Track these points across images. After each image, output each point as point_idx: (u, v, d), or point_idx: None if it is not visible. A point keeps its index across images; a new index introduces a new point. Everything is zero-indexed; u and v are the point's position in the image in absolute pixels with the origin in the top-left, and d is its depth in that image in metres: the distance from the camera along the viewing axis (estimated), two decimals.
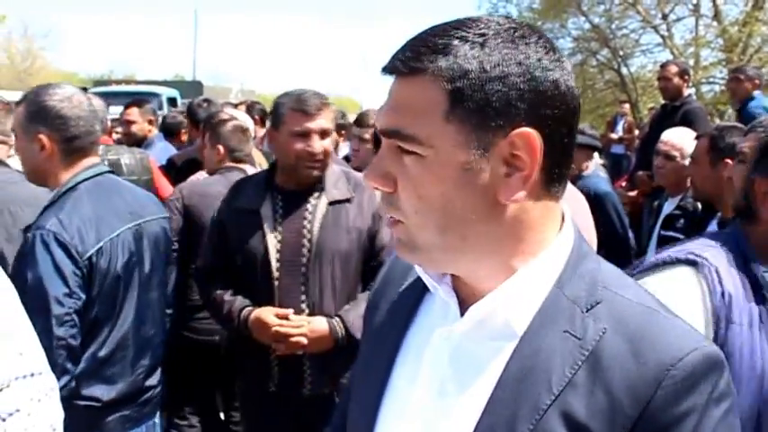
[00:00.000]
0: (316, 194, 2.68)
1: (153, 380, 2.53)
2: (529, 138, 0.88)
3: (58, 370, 2.10)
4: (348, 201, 2.70)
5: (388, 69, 0.93)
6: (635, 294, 0.95)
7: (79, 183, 2.31)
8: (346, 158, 5.40)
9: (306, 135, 2.58)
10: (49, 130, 2.27)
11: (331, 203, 2.66)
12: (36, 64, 43.19)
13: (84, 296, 2.22)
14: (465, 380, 0.95)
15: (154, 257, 2.51)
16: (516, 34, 0.89)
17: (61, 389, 2.06)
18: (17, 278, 2.10)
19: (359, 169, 3.41)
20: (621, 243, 3.98)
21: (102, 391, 2.31)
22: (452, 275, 1.01)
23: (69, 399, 2.12)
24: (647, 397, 0.85)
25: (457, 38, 0.88)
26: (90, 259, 2.24)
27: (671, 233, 3.77)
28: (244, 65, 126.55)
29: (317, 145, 2.60)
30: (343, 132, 6.85)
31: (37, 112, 2.28)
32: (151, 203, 2.62)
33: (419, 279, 1.06)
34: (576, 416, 0.86)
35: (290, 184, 2.69)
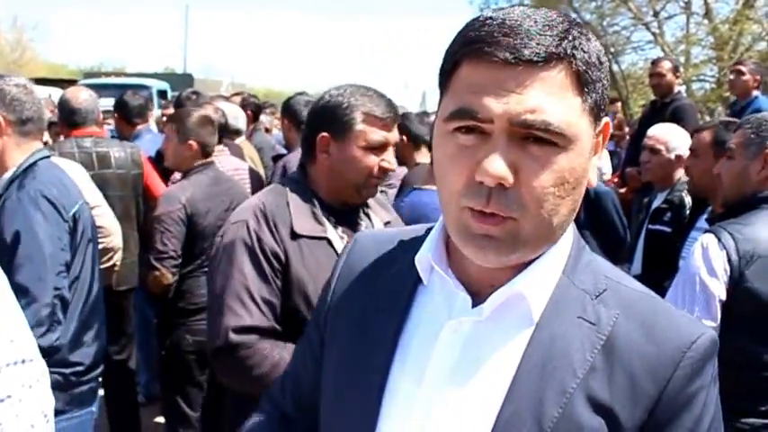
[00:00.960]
0: (362, 215, 2.24)
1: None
2: (608, 127, 0.97)
3: (54, 320, 2.19)
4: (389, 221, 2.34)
5: (518, 55, 0.85)
6: (633, 283, 1.02)
7: (37, 161, 2.41)
8: None
9: (382, 148, 2.12)
10: (5, 112, 2.37)
11: (385, 224, 2.28)
12: (25, 55, 42.87)
13: (70, 251, 2.35)
14: (481, 369, 0.96)
15: (96, 236, 2.65)
16: (586, 28, 0.92)
17: (55, 341, 2.16)
18: (4, 238, 2.20)
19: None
20: (621, 243, 3.97)
21: (85, 355, 2.44)
22: (451, 267, 1.01)
23: (61, 365, 2.24)
24: (666, 378, 0.91)
25: (567, 30, 0.88)
26: (73, 216, 2.39)
27: (658, 227, 3.83)
28: (234, 58, 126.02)
29: (393, 159, 2.17)
30: None
31: None
32: (82, 192, 2.69)
33: (405, 271, 1.06)
34: (600, 398, 0.91)
35: (336, 203, 2.15)
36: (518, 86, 0.86)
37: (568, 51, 0.87)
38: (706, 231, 2.36)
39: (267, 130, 6.21)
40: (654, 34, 20.00)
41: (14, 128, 2.39)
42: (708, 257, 2.22)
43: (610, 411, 0.90)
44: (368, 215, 2.23)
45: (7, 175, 2.39)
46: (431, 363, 0.98)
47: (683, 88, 6.13)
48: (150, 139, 5.32)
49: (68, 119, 3.92)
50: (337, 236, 2.05)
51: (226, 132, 4.69)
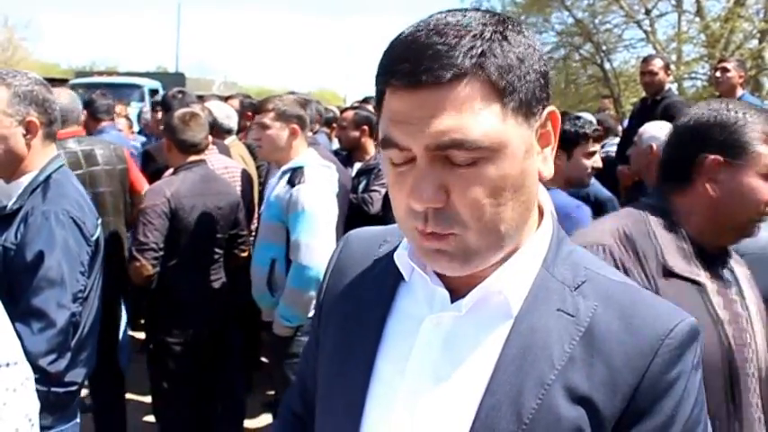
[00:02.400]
0: (729, 260, 1.79)
1: None
2: (555, 114, 0.96)
3: (65, 348, 2.15)
4: None
5: (419, 80, 0.85)
6: (612, 273, 1.02)
7: (57, 169, 2.31)
8: (335, 152, 5.39)
9: None
10: (38, 112, 2.25)
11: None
12: (17, 55, 42.65)
13: (89, 275, 2.29)
14: (461, 364, 0.96)
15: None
16: (512, 23, 0.91)
17: (61, 368, 2.11)
18: (25, 255, 2.12)
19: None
20: None
21: (78, 375, 2.36)
22: None
23: (57, 385, 2.17)
24: (645, 365, 0.92)
25: (478, 36, 0.86)
26: (97, 240, 2.33)
27: None
28: (227, 57, 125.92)
29: None
30: (333, 126, 6.85)
31: (25, 94, 2.23)
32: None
33: (388, 268, 1.08)
34: (579, 389, 0.91)
35: (707, 242, 1.73)
36: (427, 111, 0.85)
37: (474, 62, 0.85)
38: None
39: None
40: (645, 32, 20.09)
41: (43, 129, 2.27)
42: None
43: (589, 401, 0.91)
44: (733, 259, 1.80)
45: (25, 179, 2.24)
46: (412, 356, 1.00)
47: (673, 86, 6.12)
48: (115, 135, 5.53)
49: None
50: (709, 282, 1.67)
51: (216, 131, 4.68)
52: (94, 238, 2.31)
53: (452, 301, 0.99)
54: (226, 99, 6.62)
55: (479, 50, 0.86)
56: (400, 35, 0.91)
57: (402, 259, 1.04)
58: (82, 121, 4.10)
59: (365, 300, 1.09)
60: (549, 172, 0.95)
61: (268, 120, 3.41)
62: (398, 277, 1.07)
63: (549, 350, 0.93)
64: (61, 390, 2.23)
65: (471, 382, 0.95)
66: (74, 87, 8.01)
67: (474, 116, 0.85)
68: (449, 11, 0.92)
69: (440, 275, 1.00)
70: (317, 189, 3.26)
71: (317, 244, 3.14)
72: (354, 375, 1.04)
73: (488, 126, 0.86)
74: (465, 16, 0.89)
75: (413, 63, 0.85)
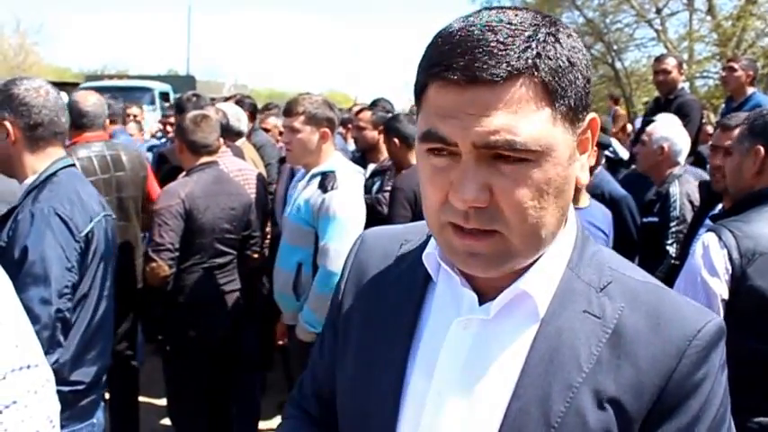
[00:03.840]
0: None
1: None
2: (595, 122, 0.96)
3: (54, 342, 2.16)
4: None
5: (474, 76, 0.83)
6: (638, 273, 1.01)
7: (58, 170, 2.36)
8: (352, 154, 5.37)
9: None
10: (14, 117, 2.31)
11: None
12: (29, 59, 42.98)
13: (79, 272, 2.29)
14: (489, 366, 0.96)
15: (113, 249, 2.59)
16: (562, 25, 0.90)
17: (54, 363, 2.10)
18: (13, 252, 2.15)
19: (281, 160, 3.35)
20: (634, 247, 3.94)
21: (85, 374, 2.38)
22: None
23: (59, 383, 2.15)
24: (672, 367, 0.91)
25: (533, 37, 0.85)
26: (86, 236, 2.32)
27: (649, 219, 3.89)
28: (237, 60, 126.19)
29: None
30: (348, 127, 6.85)
31: (3, 100, 2.32)
32: (104, 202, 2.65)
33: (414, 268, 1.07)
34: (607, 391, 0.91)
35: None
36: (479, 108, 0.84)
37: (530, 63, 0.84)
38: (708, 230, 2.34)
39: (266, 131, 6.20)
40: (657, 31, 20.00)
41: (24, 133, 2.32)
42: (708, 256, 2.21)
43: (617, 403, 0.90)
44: None
45: (28, 181, 2.33)
46: (440, 359, 0.99)
47: (686, 84, 6.08)
48: (125, 140, 5.52)
49: (76, 121, 3.93)
50: None
51: (228, 134, 4.69)
52: (83, 234, 2.31)
53: (480, 303, 0.99)
54: (226, 99, 6.62)
55: (534, 52, 0.84)
56: (448, 29, 0.88)
57: (430, 258, 1.04)
58: (106, 126, 4.13)
59: (391, 301, 1.09)
60: (585, 179, 0.95)
61: (298, 123, 3.35)
62: (427, 278, 1.06)
63: (576, 352, 0.93)
64: (66, 389, 2.25)
65: (499, 385, 0.95)
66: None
67: (526, 118, 0.84)
68: (499, 8, 0.90)
69: (467, 276, 1.00)
70: (350, 196, 3.24)
71: (347, 250, 3.11)
72: (384, 377, 1.04)
73: (539, 129, 0.85)
74: (516, 15, 0.88)
75: (467, 59, 0.84)
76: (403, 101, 14.24)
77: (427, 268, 1.05)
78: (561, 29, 0.89)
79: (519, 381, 0.93)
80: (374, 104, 6.00)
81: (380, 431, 1.02)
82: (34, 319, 2.08)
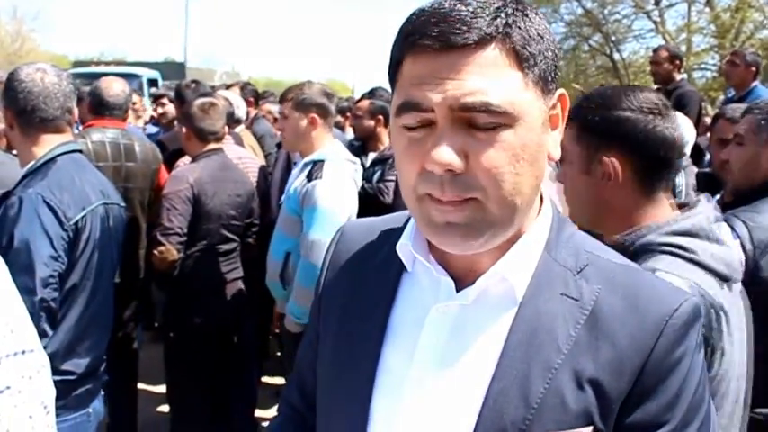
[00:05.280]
0: None
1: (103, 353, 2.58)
2: (565, 98, 0.98)
3: (38, 332, 2.12)
4: None
5: (447, 41, 0.86)
6: (613, 255, 1.03)
7: (57, 156, 2.33)
8: (349, 143, 5.36)
9: None
10: (7, 103, 2.31)
11: None
12: (26, 46, 42.75)
13: (66, 260, 2.26)
14: (468, 351, 0.97)
15: (116, 238, 2.56)
16: (529, 6, 0.93)
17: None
18: (1, 239, 2.14)
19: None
20: None
21: (77, 365, 2.35)
22: (432, 253, 1.02)
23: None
24: (650, 345, 0.92)
25: (501, 8, 0.89)
26: (76, 224, 2.29)
27: None
28: (235, 49, 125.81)
29: None
30: (347, 116, 6.83)
31: (3, 88, 2.34)
32: (113, 188, 2.63)
33: (390, 258, 1.07)
34: (586, 372, 0.92)
35: None
36: (454, 72, 0.87)
37: (500, 30, 0.87)
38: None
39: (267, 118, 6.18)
40: (655, 23, 20.00)
41: (17, 120, 2.32)
42: None
43: (596, 383, 0.91)
44: None
45: (27, 167, 2.33)
46: (419, 345, 0.99)
47: (684, 76, 6.07)
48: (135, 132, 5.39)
49: (97, 107, 3.90)
50: None
51: (228, 121, 4.68)
52: (72, 222, 2.28)
53: (457, 290, 0.99)
54: (227, 87, 6.58)
55: (504, 21, 0.88)
56: (421, 8, 0.91)
57: (404, 249, 1.04)
58: (125, 117, 4.10)
59: (367, 291, 1.09)
60: (557, 154, 0.96)
61: (287, 109, 3.40)
62: (401, 267, 1.06)
63: (554, 334, 0.94)
64: (56, 378, 2.23)
65: (478, 368, 0.95)
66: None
67: (499, 81, 0.87)
68: None
69: (442, 264, 1.01)
70: (333, 186, 3.21)
71: (327, 242, 3.10)
72: (361, 365, 1.04)
73: (512, 92, 0.87)
74: None
75: (440, 27, 0.87)
76: None
77: (402, 259, 1.05)
78: (529, 8, 0.92)
79: (498, 363, 0.94)
80: (372, 93, 5.99)
81: (353, 418, 1.03)
82: None
